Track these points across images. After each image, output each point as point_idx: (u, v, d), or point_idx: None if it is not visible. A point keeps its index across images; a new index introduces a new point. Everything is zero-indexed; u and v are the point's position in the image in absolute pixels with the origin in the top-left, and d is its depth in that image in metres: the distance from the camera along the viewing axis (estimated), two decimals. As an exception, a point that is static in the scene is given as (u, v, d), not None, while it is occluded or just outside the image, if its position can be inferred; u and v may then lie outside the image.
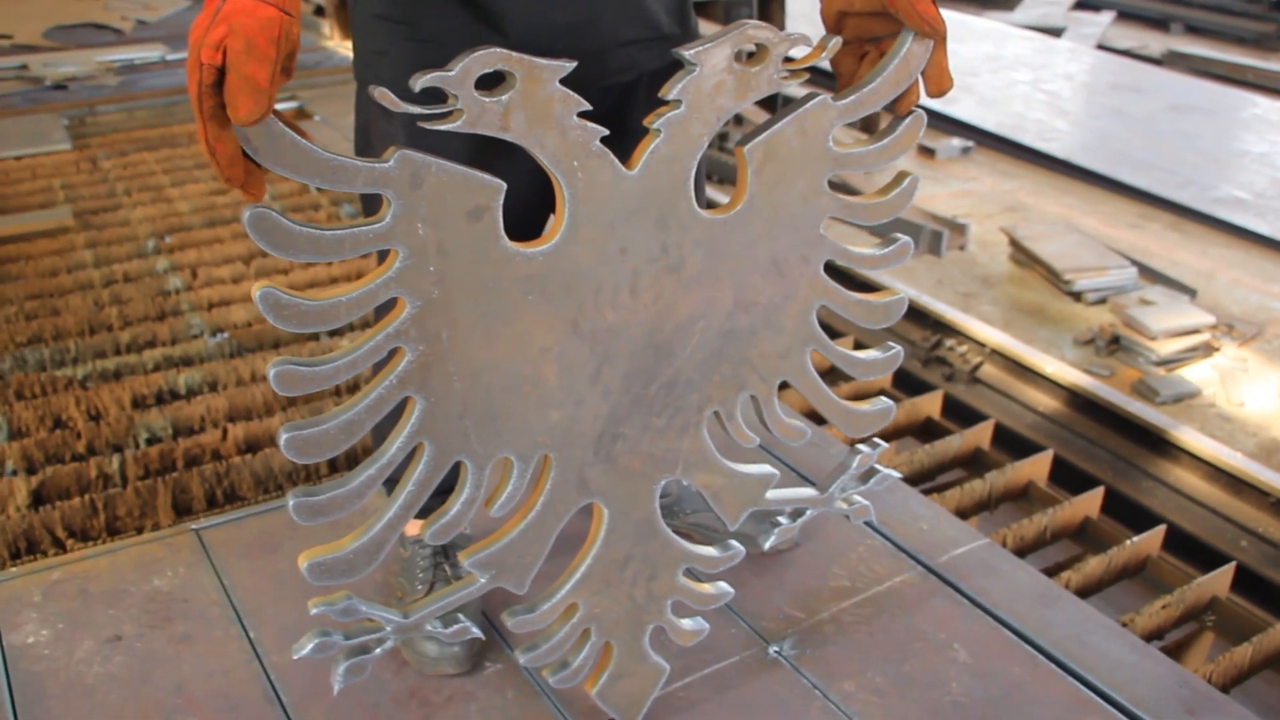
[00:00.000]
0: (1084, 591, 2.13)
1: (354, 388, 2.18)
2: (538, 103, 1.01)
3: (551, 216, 1.12)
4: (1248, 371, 3.58)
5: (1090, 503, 2.41)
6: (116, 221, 3.27)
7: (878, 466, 1.53)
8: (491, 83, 1.00)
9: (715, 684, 1.48)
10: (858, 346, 1.94)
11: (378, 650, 1.22)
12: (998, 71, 7.03)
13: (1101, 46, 8.22)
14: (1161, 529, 2.34)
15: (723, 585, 1.39)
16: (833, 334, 1.42)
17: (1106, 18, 9.17)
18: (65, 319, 2.64)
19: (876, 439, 1.51)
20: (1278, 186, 5.19)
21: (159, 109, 4.31)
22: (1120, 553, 2.23)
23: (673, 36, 1.34)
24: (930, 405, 2.82)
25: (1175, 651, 2.12)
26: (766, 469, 1.36)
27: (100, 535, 1.95)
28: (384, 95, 0.95)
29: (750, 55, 1.11)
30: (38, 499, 2.02)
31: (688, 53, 1.07)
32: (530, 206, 1.19)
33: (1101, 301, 4.02)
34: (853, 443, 1.50)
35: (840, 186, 2.90)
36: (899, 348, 1.39)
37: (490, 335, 1.09)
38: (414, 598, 1.51)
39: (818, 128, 1.18)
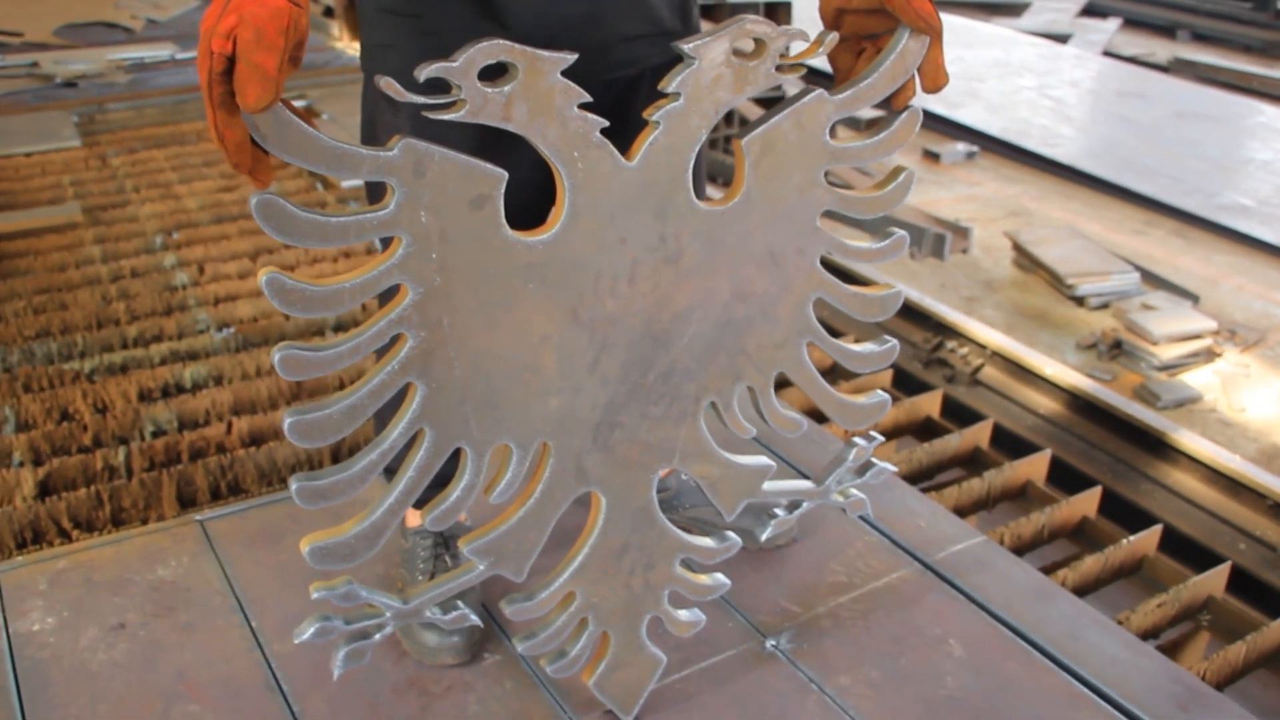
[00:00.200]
0: (1080, 590, 2.14)
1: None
2: (539, 94, 1.03)
3: (552, 208, 1.13)
4: (1250, 377, 3.58)
5: (1088, 502, 2.42)
6: (125, 218, 3.30)
7: (874, 460, 1.53)
8: (494, 74, 1.01)
9: (712, 677, 1.49)
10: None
11: (377, 636, 1.23)
12: (1004, 77, 7.05)
13: (1108, 53, 8.23)
14: (1158, 528, 2.34)
15: (719, 577, 1.40)
16: (834, 334, 1.43)
17: (1113, 24, 9.19)
18: (73, 313, 2.67)
19: (873, 432, 1.53)
20: (1282, 193, 5.20)
21: (168, 107, 4.35)
22: (1117, 552, 2.24)
23: (675, 32, 1.36)
24: (930, 405, 2.83)
25: (1171, 650, 2.13)
26: (763, 460, 1.37)
27: (105, 526, 1.97)
28: (389, 85, 0.96)
29: (750, 51, 1.13)
30: (44, 490, 2.04)
31: (687, 46, 1.08)
32: (532, 201, 1.21)
33: (1104, 306, 4.03)
34: (849, 437, 1.52)
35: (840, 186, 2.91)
36: (894, 341, 1.40)
37: (491, 322, 1.11)
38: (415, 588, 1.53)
39: (814, 122, 1.20)
